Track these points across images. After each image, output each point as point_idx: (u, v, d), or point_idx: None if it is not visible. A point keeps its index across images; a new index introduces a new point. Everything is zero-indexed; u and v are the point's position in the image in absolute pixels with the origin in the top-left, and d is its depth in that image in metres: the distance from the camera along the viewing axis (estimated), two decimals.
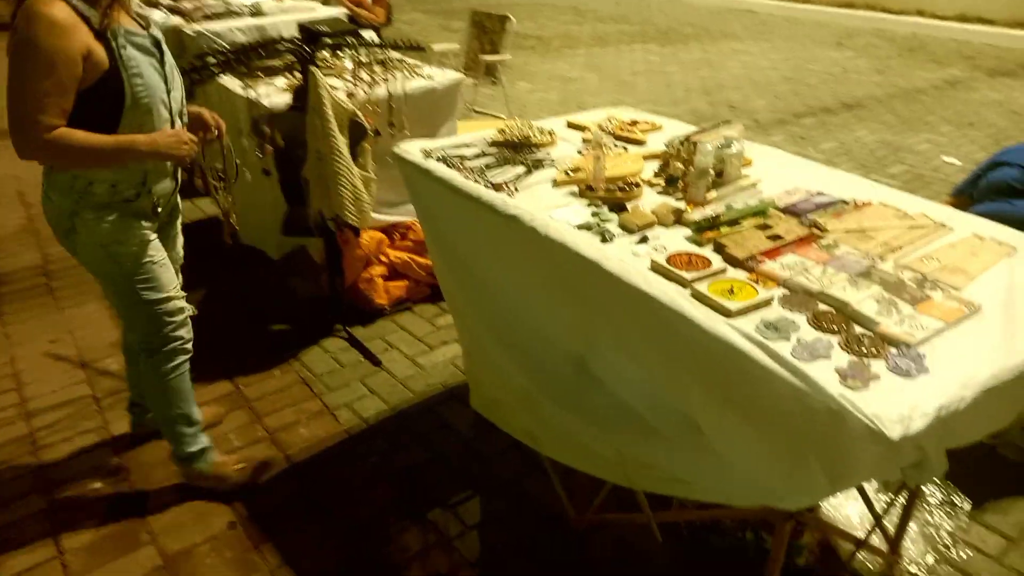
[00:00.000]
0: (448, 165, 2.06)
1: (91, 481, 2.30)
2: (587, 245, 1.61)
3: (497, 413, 2.30)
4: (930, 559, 2.05)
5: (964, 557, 2.06)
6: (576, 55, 8.11)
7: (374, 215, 2.97)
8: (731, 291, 1.41)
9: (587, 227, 1.71)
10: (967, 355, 1.25)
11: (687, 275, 1.47)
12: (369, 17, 5.21)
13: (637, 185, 1.87)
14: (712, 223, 1.65)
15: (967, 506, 2.23)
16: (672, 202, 1.82)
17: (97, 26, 1.68)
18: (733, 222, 1.68)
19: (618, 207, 1.80)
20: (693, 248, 1.60)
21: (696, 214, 1.73)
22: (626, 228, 1.70)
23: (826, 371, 1.21)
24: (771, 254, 1.56)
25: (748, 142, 2.06)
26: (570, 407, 1.83)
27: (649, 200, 1.85)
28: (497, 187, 1.91)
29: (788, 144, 5.33)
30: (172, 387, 2.11)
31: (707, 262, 1.51)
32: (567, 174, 1.96)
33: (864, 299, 1.39)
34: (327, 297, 3.15)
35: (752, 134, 5.57)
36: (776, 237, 1.61)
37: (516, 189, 1.90)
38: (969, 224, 1.72)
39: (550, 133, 2.26)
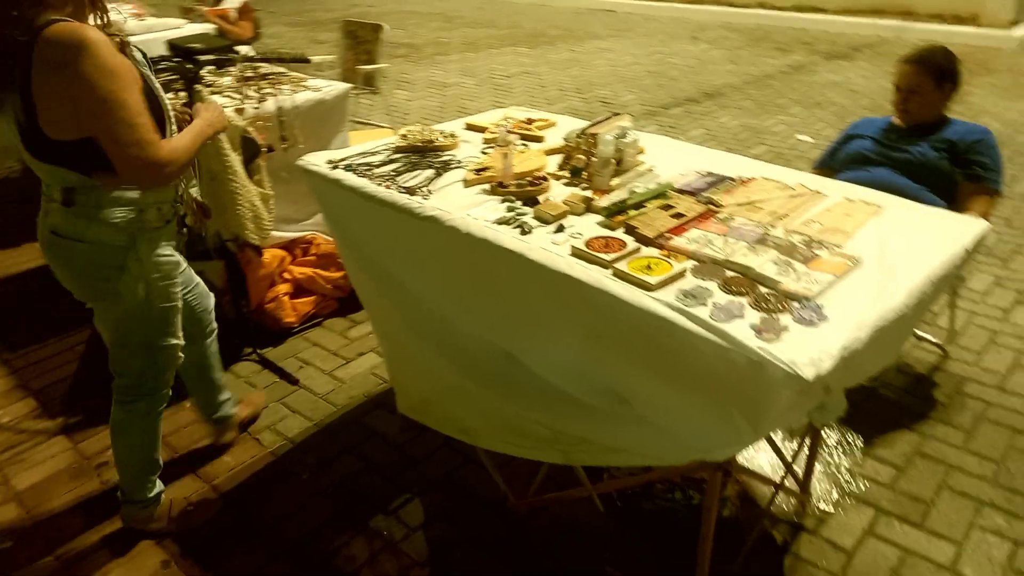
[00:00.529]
0: (356, 174, 2.09)
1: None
2: (508, 238, 1.69)
3: (427, 414, 2.35)
4: (835, 494, 2.28)
5: (863, 488, 2.30)
6: (449, 61, 8.21)
7: (274, 232, 2.93)
8: (648, 267, 1.53)
9: (505, 222, 1.79)
10: (856, 302, 1.43)
11: (606, 257, 1.58)
12: (236, 32, 5.08)
13: (545, 179, 1.97)
14: (620, 207, 1.77)
15: (859, 443, 2.48)
16: (580, 192, 1.93)
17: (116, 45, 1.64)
18: (638, 205, 1.81)
19: (530, 201, 1.90)
20: (607, 232, 1.71)
21: (604, 201, 1.84)
22: (542, 219, 1.79)
23: (743, 329, 1.34)
24: (677, 231, 1.70)
25: (638, 131, 2.21)
26: (505, 395, 1.91)
27: (558, 192, 1.96)
28: (410, 191, 1.96)
29: (659, 134, 5.63)
30: (152, 430, 2.06)
31: (622, 244, 1.63)
32: (476, 173, 2.03)
33: (764, 263, 1.54)
34: (232, 321, 3.08)
35: None
36: (679, 215, 1.75)
37: (429, 192, 1.96)
38: (839, 189, 1.93)
39: (452, 135, 2.33)
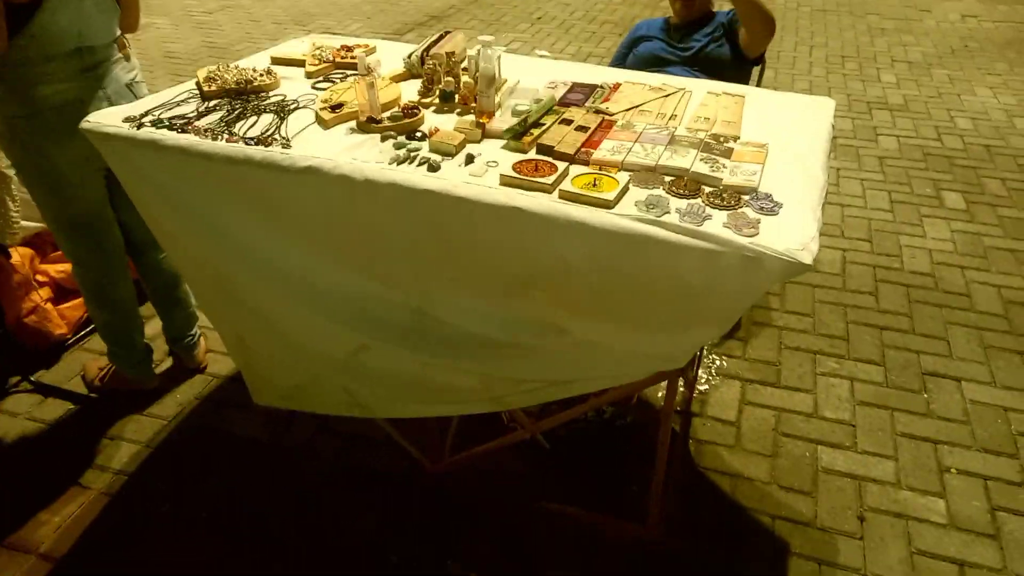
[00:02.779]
0: (174, 129, 1.67)
1: None
2: (422, 179, 1.48)
3: (303, 399, 2.05)
4: (703, 376, 2.46)
5: (724, 364, 2.51)
6: None
7: (24, 223, 2.29)
8: (594, 184, 1.43)
9: (401, 160, 1.55)
10: (791, 186, 1.48)
11: (546, 180, 1.44)
12: None
13: (417, 109, 1.75)
14: (523, 128, 1.63)
15: None
16: (465, 117, 1.74)
17: None
18: (536, 123, 1.68)
19: (410, 134, 1.67)
20: (529, 156, 1.57)
21: (499, 123, 1.68)
22: (442, 152, 1.59)
23: (719, 228, 1.32)
24: (591, 144, 1.61)
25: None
26: (421, 351, 1.71)
27: (434, 121, 1.75)
28: (261, 142, 1.61)
29: None
30: None
31: (552, 165, 1.51)
32: (332, 111, 1.73)
33: (693, 162, 1.53)
34: None
35: None
36: (582, 128, 1.67)
37: (287, 140, 1.63)
38: (694, 86, 1.98)
39: (269, 72, 1.96)
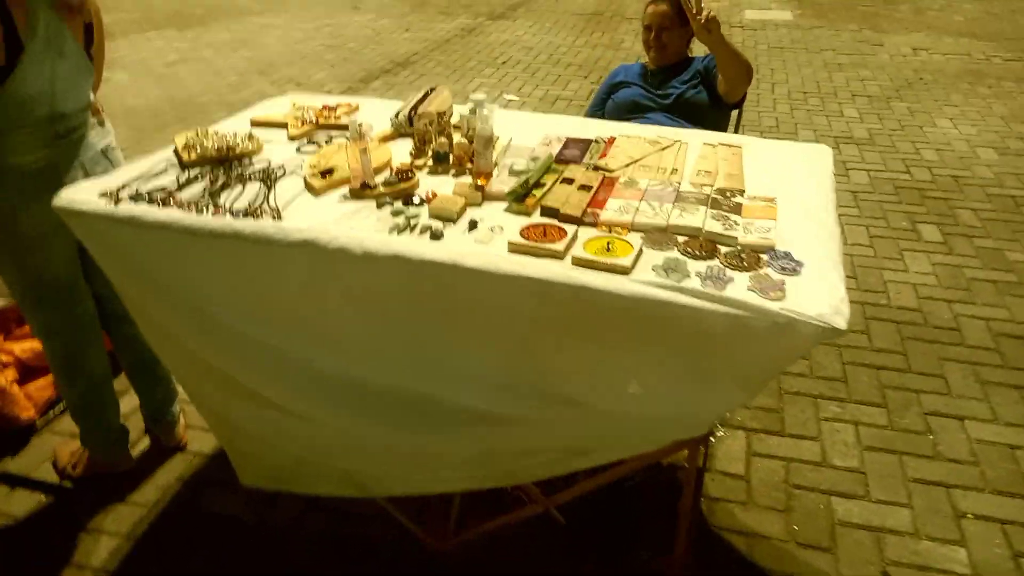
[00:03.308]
0: (155, 203, 1.57)
1: None
2: (428, 249, 1.40)
3: (290, 479, 1.93)
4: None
5: (728, 414, 2.45)
6: None
7: None
8: (608, 248, 1.37)
9: (402, 229, 1.48)
10: (808, 241, 1.43)
11: (557, 246, 1.38)
12: None
13: (411, 172, 1.68)
14: (525, 189, 1.57)
15: None
16: (462, 180, 1.68)
17: None
18: (537, 184, 1.62)
19: (407, 199, 1.60)
20: (531, 219, 1.50)
21: (499, 184, 1.62)
22: (443, 218, 1.51)
23: (743, 292, 1.27)
24: (596, 203, 1.55)
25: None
26: (418, 428, 1.62)
27: (430, 184, 1.68)
28: (251, 213, 1.52)
29: None
30: None
31: (560, 229, 1.44)
32: (322, 177, 1.65)
33: (706, 220, 1.48)
34: None
35: None
36: (585, 187, 1.61)
37: (278, 211, 1.54)
38: (690, 136, 1.95)
39: (251, 137, 1.87)
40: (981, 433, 2.36)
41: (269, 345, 1.61)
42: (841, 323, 1.19)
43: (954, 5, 8.30)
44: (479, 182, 1.63)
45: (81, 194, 1.60)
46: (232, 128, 1.99)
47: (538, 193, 1.58)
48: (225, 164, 1.76)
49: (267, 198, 1.60)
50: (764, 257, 1.37)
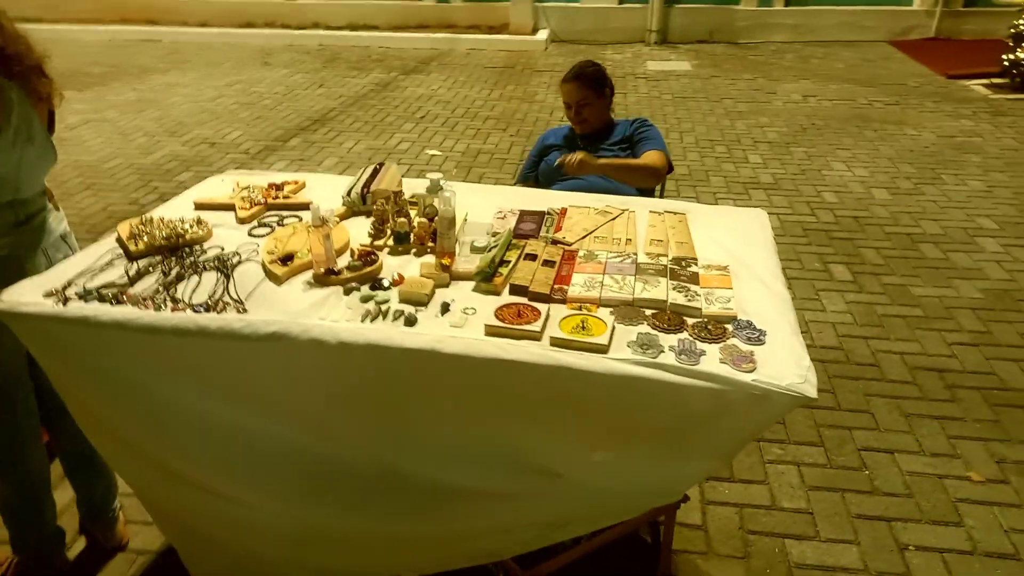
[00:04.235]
0: (107, 301, 1.51)
1: None
2: (403, 336, 1.40)
3: (247, 574, 1.85)
4: None
5: None
6: None
7: None
8: (583, 327, 1.42)
9: (373, 316, 1.47)
10: (763, 308, 1.52)
11: (534, 327, 1.41)
12: None
13: (374, 254, 1.68)
14: (493, 268, 1.60)
15: None
16: (418, 259, 1.69)
17: None
18: (503, 261, 1.66)
19: (374, 284, 1.60)
20: (505, 298, 1.53)
21: (464, 263, 1.64)
22: (413, 302, 1.52)
23: (716, 365, 1.33)
24: (562, 279, 1.60)
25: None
26: (388, 511, 1.60)
27: (390, 265, 1.68)
28: (212, 307, 1.49)
29: (291, 167, 5.31)
30: None
31: (535, 310, 1.48)
32: (282, 264, 1.63)
33: (669, 292, 1.55)
34: None
35: (253, 162, 5.38)
36: (549, 263, 1.66)
37: (241, 303, 1.51)
38: (636, 204, 2.03)
39: (199, 222, 1.83)
40: (911, 465, 2.52)
41: (227, 435, 1.55)
42: (812, 392, 1.27)
43: (834, 53, 8.98)
44: (444, 261, 1.65)
45: (24, 296, 1.53)
46: (174, 212, 1.94)
47: (504, 271, 1.62)
48: (176, 253, 1.72)
49: (227, 289, 1.57)
50: (729, 327, 1.44)
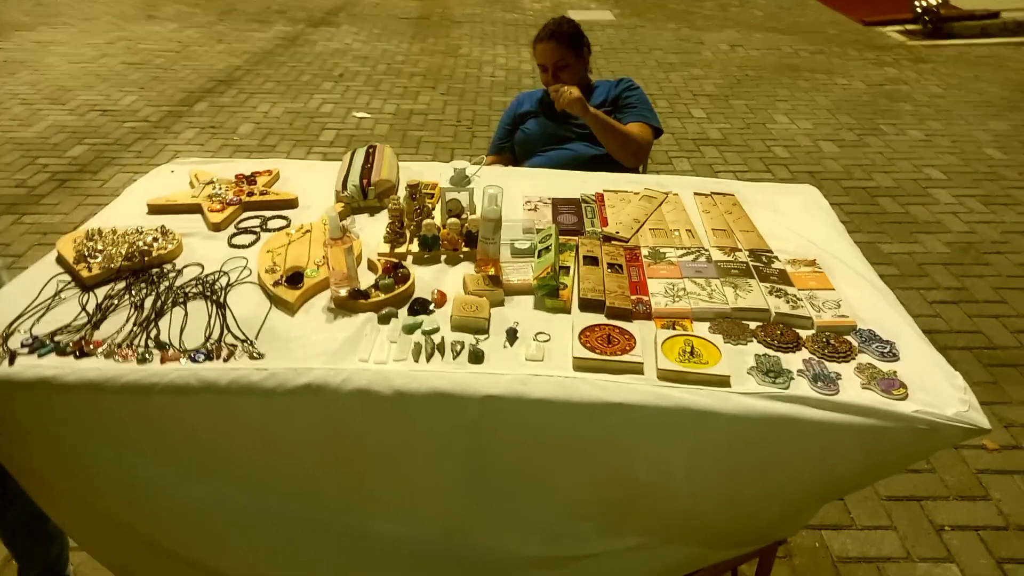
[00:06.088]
0: (67, 353, 1.14)
1: None
2: (476, 380, 1.11)
3: None
4: None
5: None
6: None
7: None
8: (691, 353, 1.17)
9: (427, 352, 1.17)
10: (874, 306, 1.32)
11: (637, 358, 1.15)
12: None
13: (403, 266, 1.36)
14: (553, 278, 1.32)
15: None
16: (473, 272, 1.39)
17: None
18: (565, 268, 1.38)
19: (413, 305, 1.29)
20: (583, 318, 1.26)
21: (515, 274, 1.36)
22: (471, 329, 1.23)
23: (860, 393, 1.12)
24: (639, 289, 1.34)
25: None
26: None
27: (423, 280, 1.37)
28: (217, 354, 1.15)
29: (202, 137, 4.74)
30: None
31: (625, 332, 1.21)
32: (291, 287, 1.29)
33: (768, 298, 1.32)
34: None
35: (157, 132, 4.77)
36: (614, 267, 1.39)
37: (252, 344, 1.17)
38: (675, 185, 1.78)
39: (165, 232, 1.45)
40: None
41: (240, 517, 1.23)
42: (982, 420, 1.08)
43: (750, 0, 8.95)
44: (489, 272, 1.36)
45: None
46: (123, 219, 1.54)
47: (567, 281, 1.34)
48: (143, 276, 1.34)
49: (226, 325, 1.22)
50: (852, 341, 1.23)
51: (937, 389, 1.12)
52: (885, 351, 1.20)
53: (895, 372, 1.15)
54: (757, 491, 1.17)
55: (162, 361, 1.13)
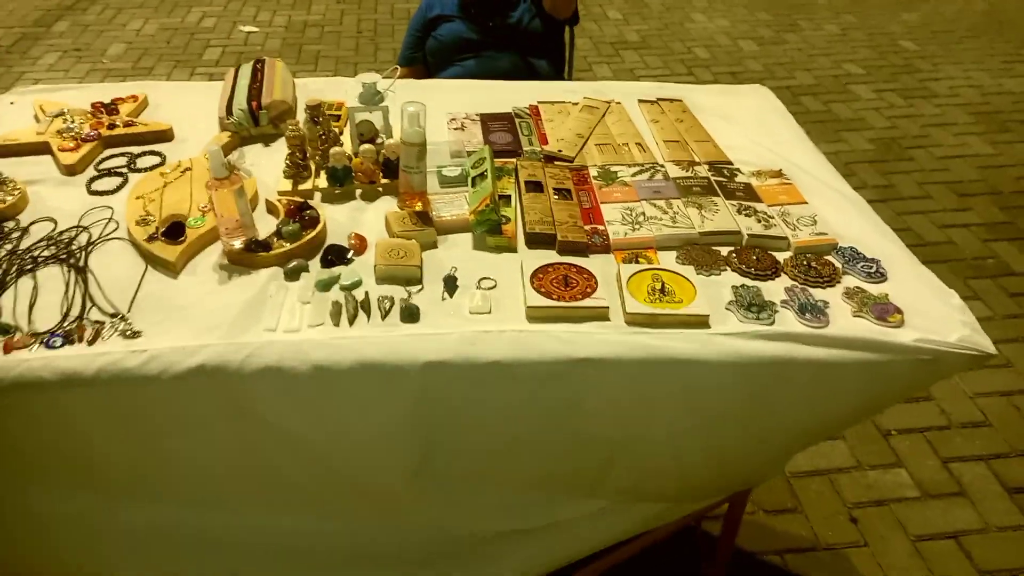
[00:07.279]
0: None
1: None
2: (411, 343, 0.91)
3: None
4: None
5: None
6: None
7: None
8: (662, 290, 1.00)
9: (350, 313, 0.96)
10: (850, 219, 1.19)
11: (603, 303, 0.97)
12: None
13: (309, 205, 1.12)
14: (493, 212, 1.11)
15: None
16: (369, 206, 1.17)
17: None
18: (505, 197, 1.17)
19: (327, 254, 1.06)
20: (526, 257, 1.06)
21: (447, 208, 1.14)
22: (400, 280, 1.02)
23: (853, 323, 0.98)
24: (593, 217, 1.16)
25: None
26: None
27: (337, 222, 1.14)
28: (80, 336, 0.90)
29: (66, 62, 4.18)
30: None
31: (584, 271, 1.03)
32: (170, 240, 1.04)
33: (737, 218, 1.16)
34: None
35: (12, 58, 4.17)
36: (561, 192, 1.20)
37: (127, 319, 0.93)
38: (616, 92, 1.58)
39: (5, 182, 1.15)
40: None
41: (86, 525, 1.02)
42: (988, 345, 0.96)
43: None
44: (416, 207, 1.14)
45: None
46: None
47: (509, 212, 1.14)
48: None
49: (87, 294, 0.97)
50: (835, 262, 1.09)
51: (933, 311, 1.00)
52: (871, 271, 1.07)
53: (887, 295, 1.02)
54: (741, 441, 1.04)
55: (5, 350, 0.88)
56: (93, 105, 1.38)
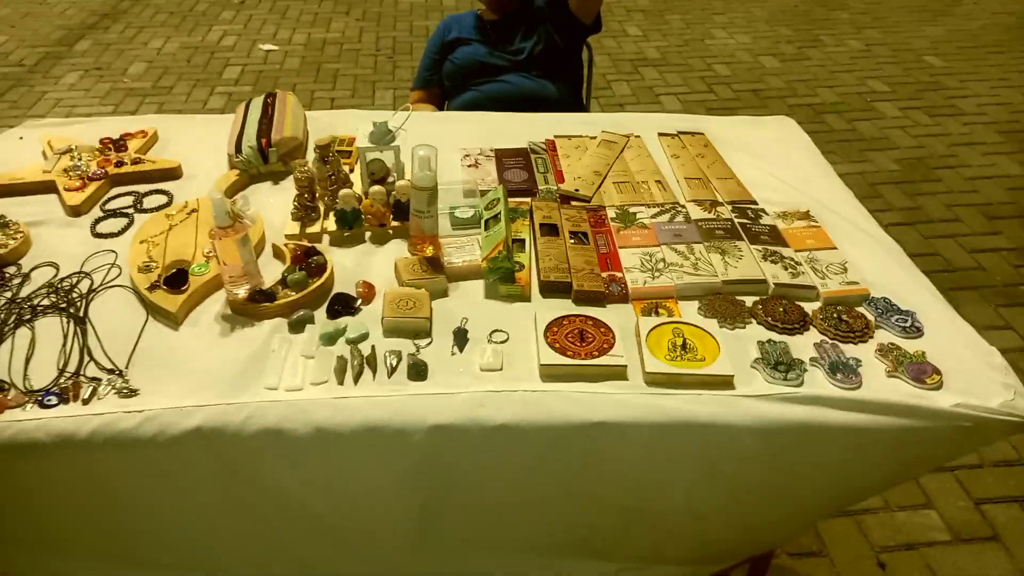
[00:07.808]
0: None
1: None
2: (417, 405, 0.87)
3: None
4: None
5: None
6: None
7: None
8: (683, 346, 0.95)
9: (355, 370, 0.92)
10: (883, 265, 1.13)
11: (620, 359, 0.92)
12: None
13: (316, 251, 1.09)
14: (511, 259, 1.07)
15: None
16: (407, 257, 1.12)
17: None
18: (519, 241, 1.13)
19: (334, 305, 1.02)
20: (540, 307, 1.01)
21: (458, 253, 1.10)
22: (408, 333, 0.98)
23: (887, 384, 0.92)
24: (611, 264, 1.11)
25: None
26: None
27: (345, 264, 1.11)
28: (74, 394, 0.87)
29: (87, 81, 4.20)
30: None
31: (604, 327, 0.98)
32: (172, 288, 1.01)
33: (762, 265, 1.10)
34: None
35: (34, 77, 4.20)
36: (578, 236, 1.15)
37: (123, 374, 0.90)
38: (634, 124, 1.54)
39: (6, 225, 1.13)
40: None
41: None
42: None
43: None
44: (427, 253, 1.10)
45: None
46: None
47: (523, 258, 1.09)
48: None
49: (86, 347, 0.94)
50: (867, 314, 1.03)
51: (973, 372, 0.94)
52: (907, 324, 1.01)
53: (923, 353, 0.96)
54: (766, 507, 0.98)
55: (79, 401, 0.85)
56: (102, 141, 1.36)
